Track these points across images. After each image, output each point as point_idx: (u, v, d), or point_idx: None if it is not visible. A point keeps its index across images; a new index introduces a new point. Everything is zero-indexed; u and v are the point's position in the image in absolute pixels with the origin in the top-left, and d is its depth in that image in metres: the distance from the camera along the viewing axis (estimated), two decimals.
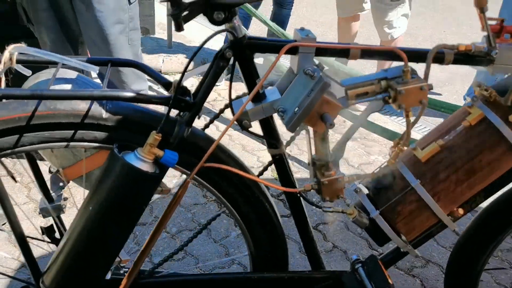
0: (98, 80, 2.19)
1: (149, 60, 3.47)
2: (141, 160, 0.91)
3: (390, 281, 1.11)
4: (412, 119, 1.01)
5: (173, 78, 0.99)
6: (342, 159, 2.61)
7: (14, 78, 1.04)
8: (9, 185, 2.20)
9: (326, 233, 2.13)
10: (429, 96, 0.98)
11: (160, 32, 4.09)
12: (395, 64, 1.02)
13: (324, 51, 0.97)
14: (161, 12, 4.13)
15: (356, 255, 1.14)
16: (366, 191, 1.15)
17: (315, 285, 1.14)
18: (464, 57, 1.01)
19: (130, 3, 1.88)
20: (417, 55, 0.99)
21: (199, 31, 4.22)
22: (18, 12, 2.03)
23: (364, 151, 2.73)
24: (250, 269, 1.17)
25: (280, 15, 3.35)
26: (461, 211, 1.11)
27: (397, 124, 3.03)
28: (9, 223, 0.95)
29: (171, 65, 3.50)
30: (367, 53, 0.98)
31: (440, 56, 1.00)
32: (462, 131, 1.07)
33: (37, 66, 0.99)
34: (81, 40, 2.02)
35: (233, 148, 2.64)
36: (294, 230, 1.17)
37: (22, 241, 0.97)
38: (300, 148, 2.65)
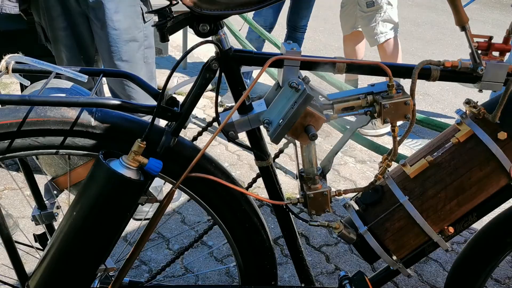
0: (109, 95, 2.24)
1: (163, 80, 3.54)
2: (125, 167, 0.93)
3: None
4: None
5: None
6: (350, 181, 2.60)
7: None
8: (18, 198, 2.24)
9: (329, 255, 2.10)
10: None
11: (177, 54, 4.17)
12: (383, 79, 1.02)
13: (309, 64, 0.98)
14: (176, 33, 4.22)
15: (344, 272, 1.13)
16: (356, 206, 1.14)
17: None
18: (450, 73, 1.01)
19: (144, 21, 1.94)
20: (403, 71, 1.00)
21: None
22: (37, 31, 2.11)
23: (373, 174, 2.71)
24: (238, 281, 1.17)
25: (294, 39, 3.40)
26: (451, 229, 1.09)
27: (407, 148, 3.00)
28: None
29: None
30: (352, 67, 0.99)
31: (426, 72, 1.00)
32: (451, 147, 1.06)
33: (33, 75, 1.03)
34: (96, 59, 2.08)
35: (241, 167, 2.65)
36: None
37: (9, 245, 0.99)
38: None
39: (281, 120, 0.96)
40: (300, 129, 0.96)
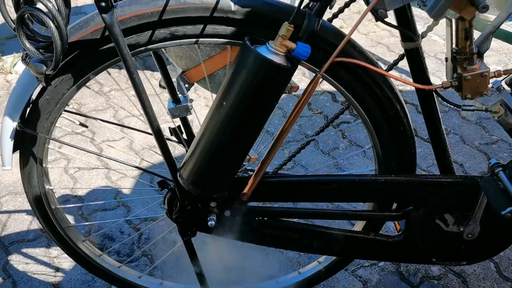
0: None
1: None
2: (273, 52, 0.88)
3: None
4: None
5: None
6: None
7: None
8: (125, 98, 2.31)
9: None
10: None
11: None
12: None
13: None
14: None
15: (494, 159, 1.06)
16: (508, 89, 1.04)
17: (446, 189, 1.08)
18: None
19: None
20: None
21: None
22: None
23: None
24: (376, 171, 1.14)
25: None
26: None
27: None
28: (147, 121, 0.98)
29: None
30: None
31: None
32: None
33: None
34: None
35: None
36: None
37: (159, 137, 1.00)
38: None
39: None
40: (466, 1, 0.85)
